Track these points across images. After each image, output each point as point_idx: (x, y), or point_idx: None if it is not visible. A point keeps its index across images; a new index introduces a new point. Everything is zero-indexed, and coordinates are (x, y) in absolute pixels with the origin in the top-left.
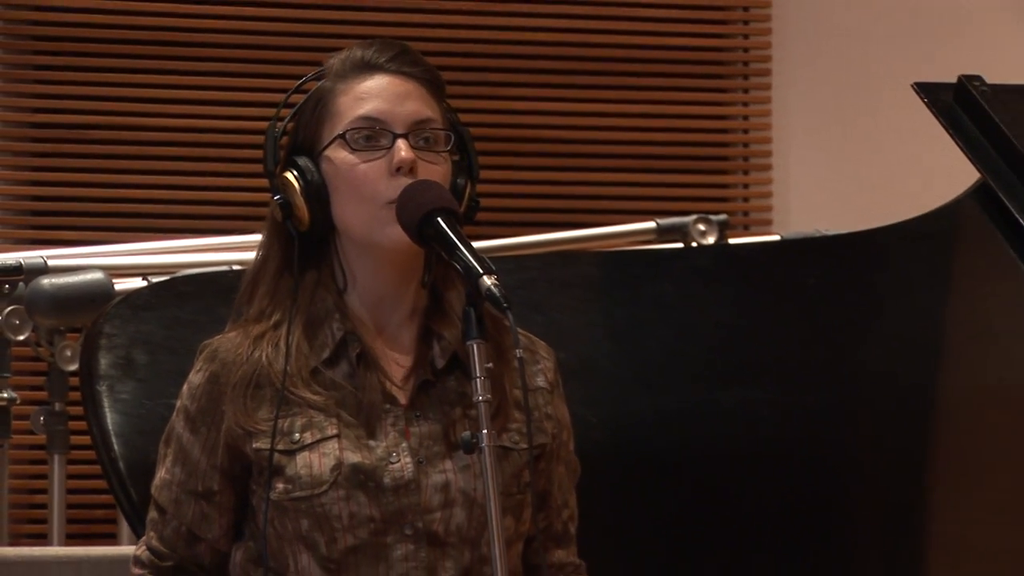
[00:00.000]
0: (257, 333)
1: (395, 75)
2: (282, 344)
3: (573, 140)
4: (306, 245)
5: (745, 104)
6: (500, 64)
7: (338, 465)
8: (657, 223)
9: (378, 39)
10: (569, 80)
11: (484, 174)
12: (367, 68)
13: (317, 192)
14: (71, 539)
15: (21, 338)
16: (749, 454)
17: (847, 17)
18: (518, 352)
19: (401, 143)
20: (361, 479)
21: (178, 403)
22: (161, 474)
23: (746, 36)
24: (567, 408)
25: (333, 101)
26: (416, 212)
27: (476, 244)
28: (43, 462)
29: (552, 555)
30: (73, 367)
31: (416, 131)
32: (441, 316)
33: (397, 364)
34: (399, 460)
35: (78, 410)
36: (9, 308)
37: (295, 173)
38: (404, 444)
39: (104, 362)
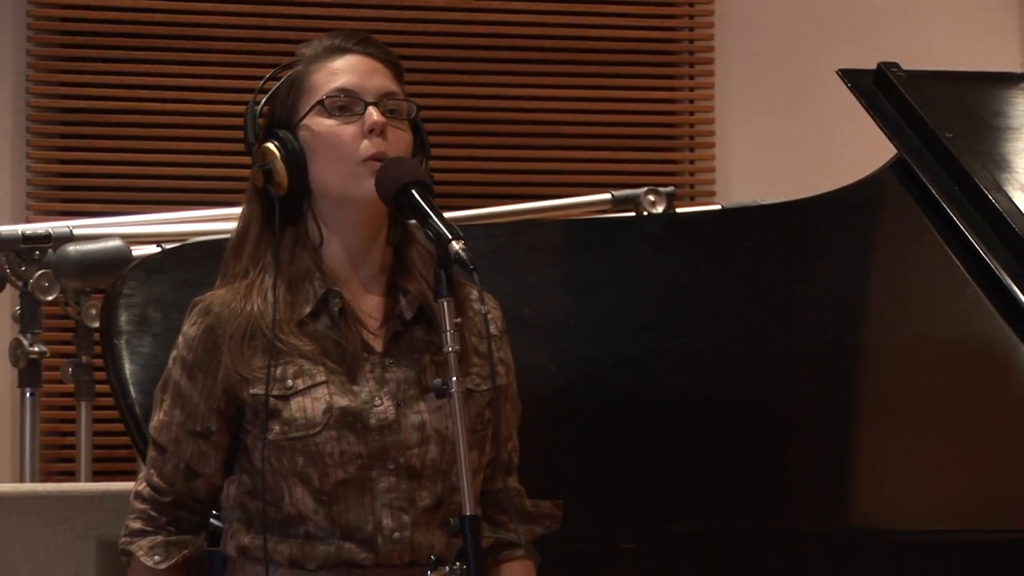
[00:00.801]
0: (245, 289)
1: (362, 55)
2: (270, 297)
3: (535, 121)
4: (283, 208)
5: (691, 89)
6: (466, 53)
7: (329, 408)
8: (612, 195)
9: (344, 29)
10: (531, 67)
11: (453, 152)
12: (337, 51)
13: (296, 158)
14: (96, 476)
15: (50, 298)
16: (692, 397)
17: (784, 9)
18: (483, 309)
19: (372, 109)
20: (350, 420)
21: (174, 353)
22: (159, 417)
23: (691, 28)
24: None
25: (308, 79)
26: (393, 185)
27: (447, 214)
28: (71, 408)
29: (499, 482)
30: (96, 324)
31: (383, 101)
32: (405, 272)
33: (371, 316)
34: (382, 403)
35: (101, 362)
36: (39, 272)
37: (276, 143)
38: (385, 388)
39: (122, 319)
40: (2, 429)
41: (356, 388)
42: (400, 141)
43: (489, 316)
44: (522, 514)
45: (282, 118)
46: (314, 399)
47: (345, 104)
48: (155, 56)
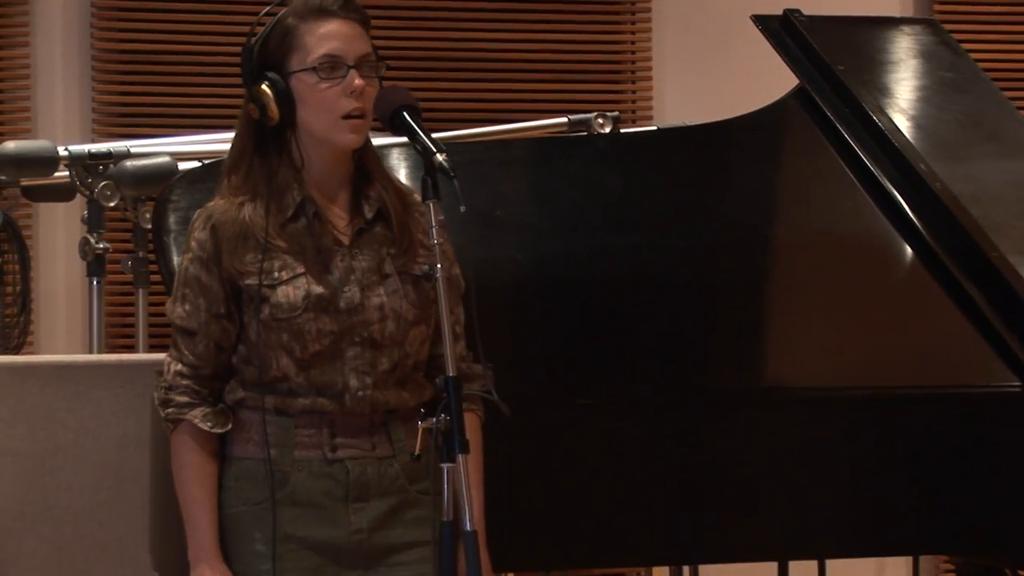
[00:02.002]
0: (239, 200)
1: (344, 20)
2: (259, 208)
3: (501, 59)
4: (273, 137)
5: (632, 33)
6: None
7: (307, 295)
8: (568, 118)
9: None
10: (497, 13)
11: (428, 85)
12: (325, 14)
13: (286, 98)
14: (151, 348)
15: (112, 205)
16: (634, 281)
17: None
18: (460, 208)
19: (354, 72)
20: (324, 304)
21: (188, 255)
22: (185, 308)
23: None
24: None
25: (300, 37)
26: (388, 107)
27: (432, 134)
28: (130, 294)
29: (442, 347)
30: (149, 225)
31: (361, 64)
32: (366, 181)
33: (339, 217)
34: (350, 290)
35: (153, 255)
36: (103, 183)
37: (268, 84)
38: (352, 276)
39: (170, 220)
40: (74, 311)
41: (329, 277)
42: (371, 95)
43: (438, 218)
44: (463, 375)
45: (273, 63)
46: (295, 287)
47: (331, 68)
48: (201, 6)
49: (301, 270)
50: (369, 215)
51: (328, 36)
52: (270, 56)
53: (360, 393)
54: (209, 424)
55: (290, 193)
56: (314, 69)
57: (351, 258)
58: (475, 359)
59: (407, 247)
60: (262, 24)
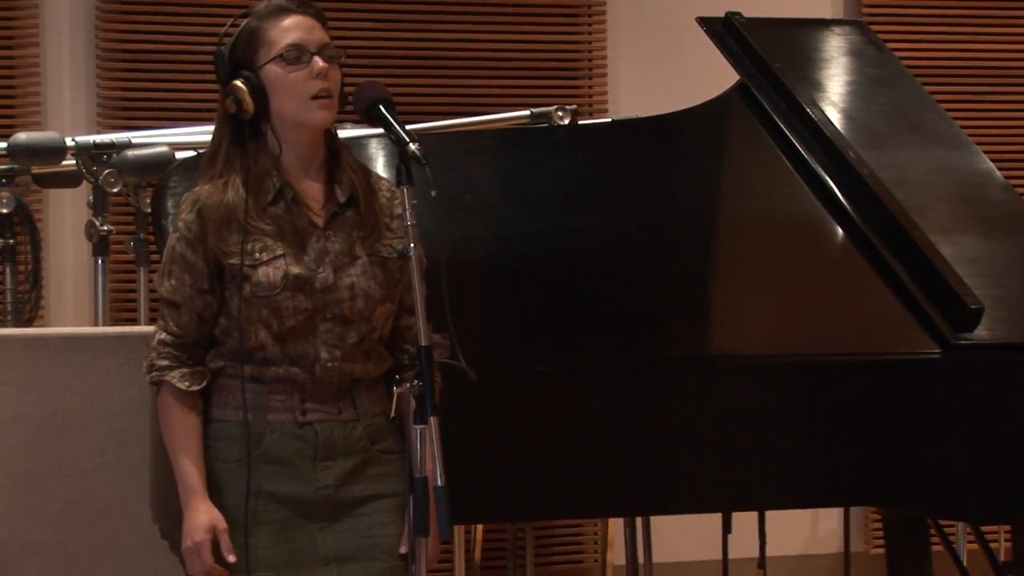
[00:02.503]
0: (222, 185)
1: (303, 15)
2: (241, 192)
3: (471, 57)
4: (249, 128)
5: (589, 34)
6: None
7: (286, 275)
8: (531, 111)
9: None
10: (466, 10)
11: (402, 81)
12: (284, 11)
13: (259, 91)
14: (150, 321)
15: (115, 190)
16: (591, 258)
17: None
18: (432, 192)
19: (317, 58)
20: (300, 284)
21: (175, 235)
22: (171, 283)
23: None
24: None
25: (265, 34)
26: (365, 101)
27: (406, 126)
28: (132, 271)
29: (405, 320)
30: (149, 209)
31: (323, 51)
32: (338, 168)
33: (315, 201)
34: (324, 271)
35: (153, 237)
36: (107, 171)
37: (242, 80)
38: (327, 258)
39: (168, 204)
40: (81, 288)
41: (305, 258)
42: (336, 78)
43: (396, 201)
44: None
45: (244, 61)
46: (275, 267)
47: (297, 55)
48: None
49: (280, 252)
50: (342, 199)
51: (290, 28)
52: (240, 57)
53: (329, 364)
54: (186, 383)
55: (270, 179)
56: (281, 57)
57: (325, 240)
58: (434, 329)
59: (375, 230)
60: (229, 34)
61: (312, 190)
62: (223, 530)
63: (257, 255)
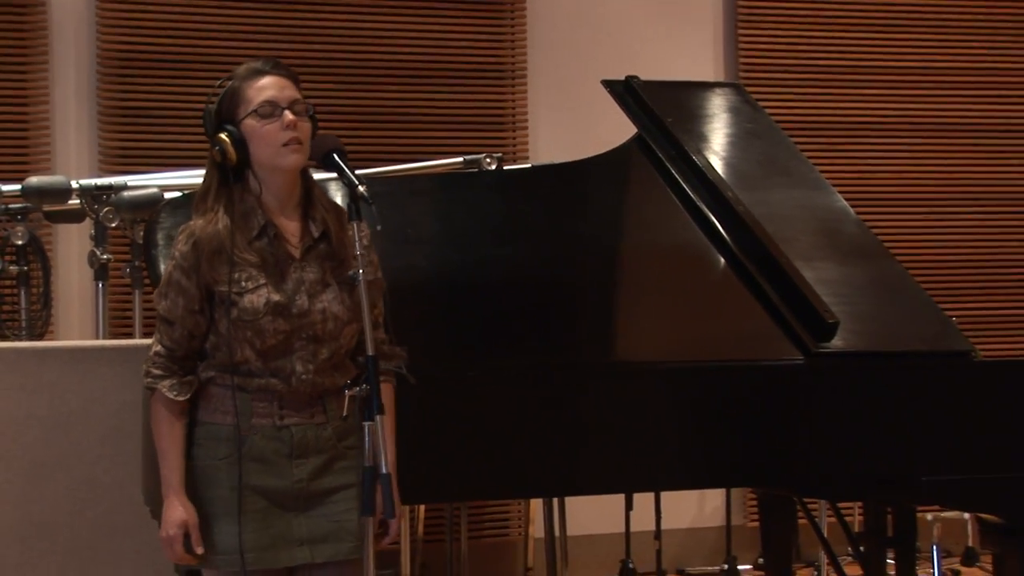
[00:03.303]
0: (212, 221)
1: (276, 75)
2: (228, 227)
3: (412, 112)
4: (233, 172)
5: (512, 91)
6: (362, 69)
7: (268, 302)
8: (464, 158)
9: (262, 58)
10: (408, 71)
11: (355, 133)
12: (260, 73)
13: (239, 143)
14: (144, 335)
15: (113, 225)
16: (513, 282)
17: (577, 38)
18: (377, 227)
19: (287, 112)
20: (280, 309)
21: (171, 263)
22: (167, 303)
23: (512, 48)
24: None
25: (243, 93)
26: (321, 151)
27: (358, 171)
28: (129, 294)
29: (372, 335)
30: (142, 241)
31: (293, 105)
32: (312, 206)
33: (292, 235)
34: (301, 298)
35: (145, 264)
36: (106, 208)
37: (226, 133)
38: (303, 287)
39: (158, 237)
40: (85, 307)
41: (284, 287)
42: (305, 128)
43: (361, 234)
44: (383, 354)
45: (227, 116)
46: (258, 295)
47: (270, 111)
48: (183, 72)
49: (263, 281)
50: (316, 234)
51: (264, 87)
52: (223, 113)
53: (304, 376)
54: (174, 393)
55: (255, 216)
56: (256, 112)
57: (301, 270)
58: (391, 342)
59: (344, 260)
60: (216, 94)
61: (290, 226)
62: (194, 525)
63: (243, 284)
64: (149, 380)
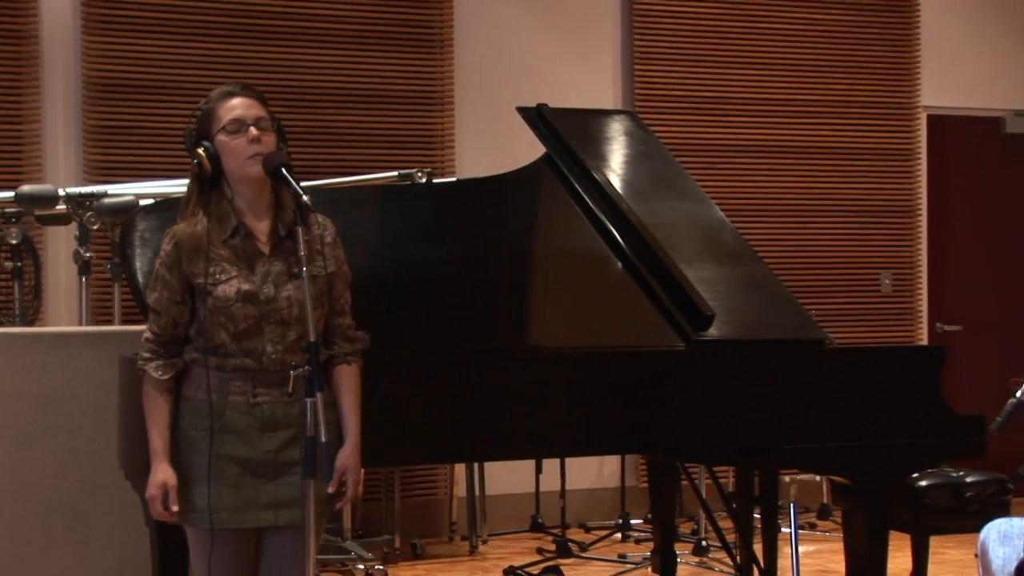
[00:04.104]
0: (193, 223)
1: (243, 96)
2: (208, 226)
3: (355, 133)
4: (210, 182)
5: (441, 114)
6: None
7: (239, 291)
8: (399, 172)
9: (234, 83)
10: (350, 101)
11: (303, 150)
12: (230, 95)
13: (214, 156)
14: (123, 322)
15: (95, 227)
16: (442, 278)
17: (499, 71)
18: (328, 235)
19: (252, 128)
20: (250, 297)
21: (159, 260)
22: (155, 296)
23: (442, 76)
24: (343, 251)
25: (216, 113)
26: (271, 165)
27: (304, 183)
28: (109, 286)
29: (336, 320)
30: (119, 241)
31: (258, 123)
32: (281, 209)
33: (262, 234)
34: (268, 287)
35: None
36: (88, 213)
37: (202, 149)
38: (269, 278)
39: (133, 238)
40: (70, 298)
41: (254, 278)
42: (269, 142)
43: (328, 232)
44: (348, 339)
45: (203, 134)
46: (229, 285)
47: (237, 127)
48: (160, 98)
49: (234, 273)
50: (283, 232)
51: (233, 107)
52: (200, 131)
53: (273, 356)
54: (159, 373)
55: (229, 219)
56: (224, 129)
57: (270, 264)
58: (354, 327)
59: (308, 255)
60: (195, 115)
61: (260, 226)
62: (172, 487)
63: (217, 276)
64: (140, 362)
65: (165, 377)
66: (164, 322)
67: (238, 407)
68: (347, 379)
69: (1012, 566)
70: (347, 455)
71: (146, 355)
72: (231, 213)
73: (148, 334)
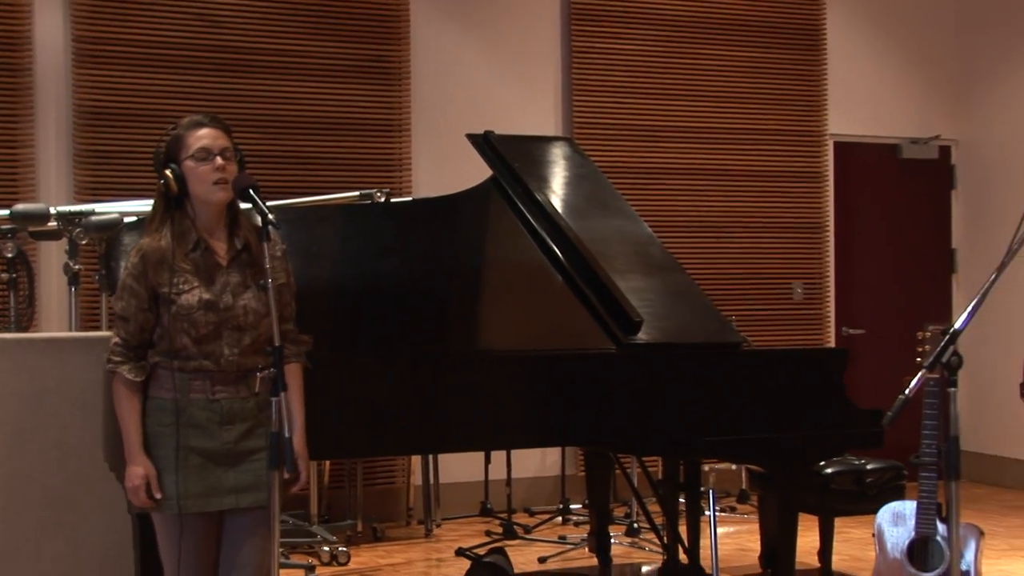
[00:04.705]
0: (158, 239)
1: (211, 127)
2: (171, 243)
3: (320, 156)
4: (175, 201)
5: (400, 140)
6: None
7: (200, 300)
8: (360, 192)
9: (202, 113)
10: (315, 124)
11: (271, 173)
12: (199, 125)
13: (180, 179)
14: (109, 329)
15: (84, 242)
16: (396, 289)
17: (451, 99)
18: (279, 249)
19: (218, 158)
20: (210, 305)
21: (126, 272)
22: (122, 304)
23: (400, 103)
24: (291, 265)
25: (184, 140)
26: (239, 186)
27: (271, 203)
28: (96, 296)
29: (284, 326)
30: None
31: (223, 152)
32: (237, 226)
33: (221, 248)
34: (226, 296)
35: None
36: (77, 230)
37: (170, 171)
38: (228, 288)
39: (117, 251)
40: (61, 306)
41: (214, 288)
42: (232, 170)
43: (280, 247)
44: (294, 341)
45: (171, 158)
46: (192, 295)
47: (204, 156)
48: (146, 124)
49: (196, 284)
50: (239, 247)
51: (200, 137)
52: (169, 155)
53: (231, 358)
54: (132, 375)
55: (190, 235)
56: (192, 156)
57: (227, 275)
58: (299, 331)
59: (260, 268)
60: (164, 140)
61: (219, 242)
62: (152, 476)
63: (180, 286)
64: (111, 365)
65: (138, 379)
66: (132, 328)
67: (199, 403)
68: (294, 376)
69: (904, 544)
70: (298, 443)
71: (117, 359)
72: (192, 229)
73: (117, 339)
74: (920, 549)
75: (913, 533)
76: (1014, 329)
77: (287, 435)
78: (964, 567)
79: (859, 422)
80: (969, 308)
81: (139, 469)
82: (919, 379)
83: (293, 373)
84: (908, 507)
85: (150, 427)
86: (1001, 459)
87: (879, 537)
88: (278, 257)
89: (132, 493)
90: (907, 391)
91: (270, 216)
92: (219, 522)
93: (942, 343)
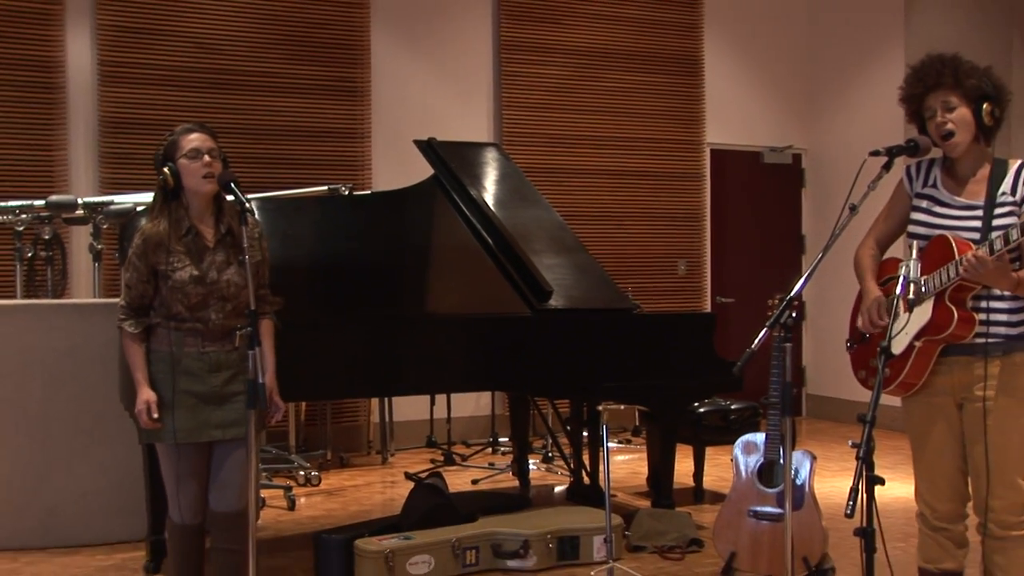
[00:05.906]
0: (157, 223)
1: (200, 132)
2: (167, 228)
3: (296, 157)
4: (172, 194)
5: (362, 144)
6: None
7: (191, 276)
8: (328, 187)
9: (194, 122)
10: (291, 131)
11: (251, 172)
12: (190, 130)
13: (176, 174)
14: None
15: (105, 226)
16: (360, 265)
17: (408, 109)
18: (257, 232)
19: (206, 156)
20: (199, 280)
21: (132, 250)
22: (128, 276)
23: (361, 112)
24: (266, 244)
25: (179, 142)
26: (223, 180)
27: (250, 195)
28: (116, 270)
29: (260, 291)
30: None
31: (210, 152)
32: (222, 213)
33: (208, 233)
34: (212, 272)
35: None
36: (100, 216)
37: (168, 168)
38: (214, 266)
39: (131, 233)
40: (88, 279)
41: (202, 265)
42: (218, 167)
43: (259, 230)
44: (267, 302)
45: (168, 157)
46: (184, 272)
47: (195, 155)
48: (161, 128)
49: (188, 262)
50: (223, 231)
51: (192, 140)
52: (167, 155)
53: (217, 321)
54: (134, 328)
55: (183, 222)
56: (185, 155)
57: (214, 254)
58: (272, 294)
59: (240, 248)
60: (163, 144)
61: (207, 227)
62: (154, 401)
63: (175, 264)
64: (118, 322)
65: (138, 331)
66: (134, 294)
67: (192, 355)
68: (267, 328)
69: (754, 467)
70: (270, 380)
71: (122, 316)
72: (185, 217)
73: (122, 302)
74: (767, 471)
75: (762, 459)
76: (846, 295)
77: (261, 380)
78: (799, 482)
79: (725, 372)
80: (800, 281)
81: (144, 396)
82: (762, 336)
83: (266, 327)
84: (759, 438)
85: (152, 374)
86: (838, 400)
87: (735, 462)
88: (255, 238)
89: (138, 415)
90: (753, 345)
91: (248, 204)
92: (208, 451)
93: (780, 307)
